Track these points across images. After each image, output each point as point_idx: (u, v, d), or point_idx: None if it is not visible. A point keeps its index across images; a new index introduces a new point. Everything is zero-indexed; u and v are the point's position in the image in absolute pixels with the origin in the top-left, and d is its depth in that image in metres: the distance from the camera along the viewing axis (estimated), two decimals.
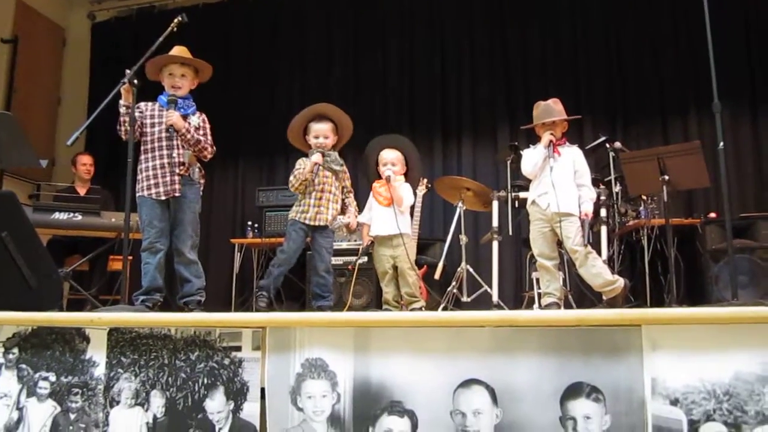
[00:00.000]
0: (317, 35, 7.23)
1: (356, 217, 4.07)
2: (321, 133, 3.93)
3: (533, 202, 3.95)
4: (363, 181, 6.74)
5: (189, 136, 3.60)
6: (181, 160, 3.59)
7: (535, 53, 6.53)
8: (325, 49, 7.20)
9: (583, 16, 6.44)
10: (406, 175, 4.27)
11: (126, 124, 3.44)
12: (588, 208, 3.87)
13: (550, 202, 3.81)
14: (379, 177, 4.23)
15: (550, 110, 3.98)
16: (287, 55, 7.28)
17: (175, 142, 3.58)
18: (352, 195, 4.11)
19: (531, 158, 3.97)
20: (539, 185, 3.92)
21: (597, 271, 3.78)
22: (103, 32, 7.91)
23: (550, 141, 3.89)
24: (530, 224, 4.01)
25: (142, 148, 3.65)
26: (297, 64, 7.25)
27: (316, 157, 3.84)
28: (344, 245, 5.64)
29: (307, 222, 3.84)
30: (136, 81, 3.34)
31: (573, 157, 3.96)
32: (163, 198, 3.56)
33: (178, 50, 3.76)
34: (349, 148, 6.70)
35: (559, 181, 3.83)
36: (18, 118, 3.96)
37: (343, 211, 4.01)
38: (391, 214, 4.05)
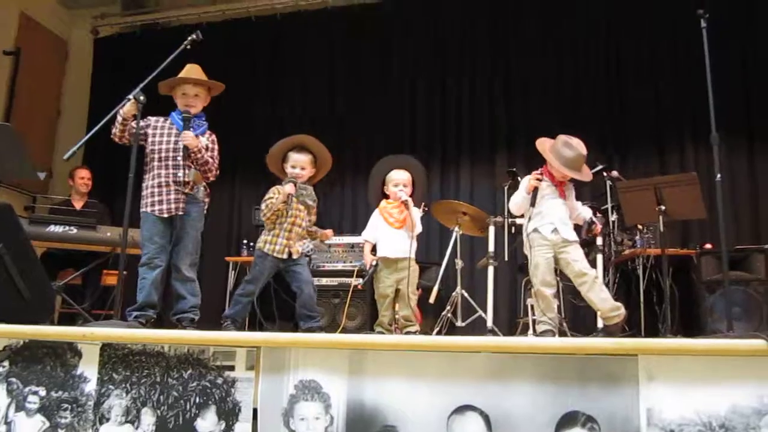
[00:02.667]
0: (319, 56, 7.28)
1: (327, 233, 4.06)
2: (299, 163, 3.87)
3: (535, 229, 3.88)
4: (356, 198, 6.81)
5: (200, 156, 3.61)
6: (186, 179, 3.58)
7: (535, 80, 6.58)
8: (327, 70, 7.26)
9: (583, 43, 6.51)
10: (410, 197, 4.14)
11: (119, 125, 3.46)
12: (590, 215, 3.89)
13: (556, 228, 3.76)
14: (385, 197, 4.16)
15: (580, 163, 3.82)
16: (289, 75, 7.33)
17: (181, 162, 3.57)
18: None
19: (516, 201, 3.93)
20: (543, 216, 3.85)
21: (606, 295, 3.75)
22: (106, 47, 7.97)
23: (536, 188, 3.80)
24: (532, 251, 3.91)
25: (147, 161, 3.63)
26: (298, 84, 7.30)
27: (289, 188, 3.78)
28: (339, 266, 5.63)
29: (275, 255, 3.77)
30: (142, 98, 3.32)
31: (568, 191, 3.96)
32: (166, 215, 3.55)
33: (193, 70, 3.75)
34: (350, 169, 6.88)
35: (556, 210, 3.83)
36: (17, 129, 3.95)
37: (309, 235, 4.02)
38: (401, 236, 3.96)
